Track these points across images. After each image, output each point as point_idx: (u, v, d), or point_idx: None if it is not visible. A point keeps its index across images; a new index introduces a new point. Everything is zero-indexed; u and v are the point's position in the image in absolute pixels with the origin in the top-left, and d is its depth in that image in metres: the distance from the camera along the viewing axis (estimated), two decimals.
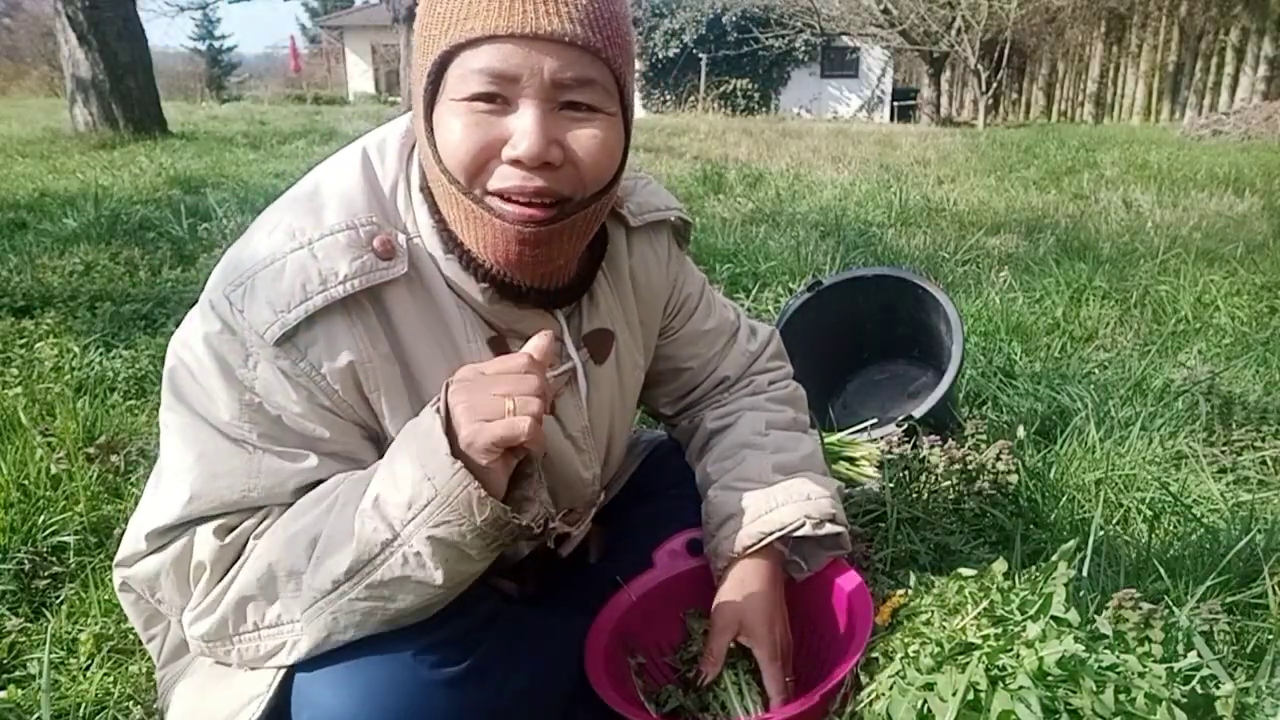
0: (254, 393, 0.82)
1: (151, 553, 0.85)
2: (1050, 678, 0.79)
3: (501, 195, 0.83)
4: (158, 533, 0.83)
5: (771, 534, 1.03)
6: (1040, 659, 0.79)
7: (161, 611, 0.90)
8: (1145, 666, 0.82)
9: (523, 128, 0.79)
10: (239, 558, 0.83)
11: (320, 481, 0.85)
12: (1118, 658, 0.83)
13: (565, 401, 1.01)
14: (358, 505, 0.78)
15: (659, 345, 1.18)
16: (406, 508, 0.75)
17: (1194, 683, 0.90)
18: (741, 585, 1.04)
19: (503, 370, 0.79)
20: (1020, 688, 0.77)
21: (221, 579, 0.83)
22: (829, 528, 1.05)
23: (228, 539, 0.82)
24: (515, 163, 0.81)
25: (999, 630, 0.86)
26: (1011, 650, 0.82)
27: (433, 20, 0.81)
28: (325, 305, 0.81)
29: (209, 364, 0.83)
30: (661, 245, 1.12)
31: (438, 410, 0.77)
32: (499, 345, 0.93)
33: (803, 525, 1.03)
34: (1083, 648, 0.81)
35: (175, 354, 0.86)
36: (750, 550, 1.04)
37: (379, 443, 0.89)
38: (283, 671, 0.84)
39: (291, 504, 0.85)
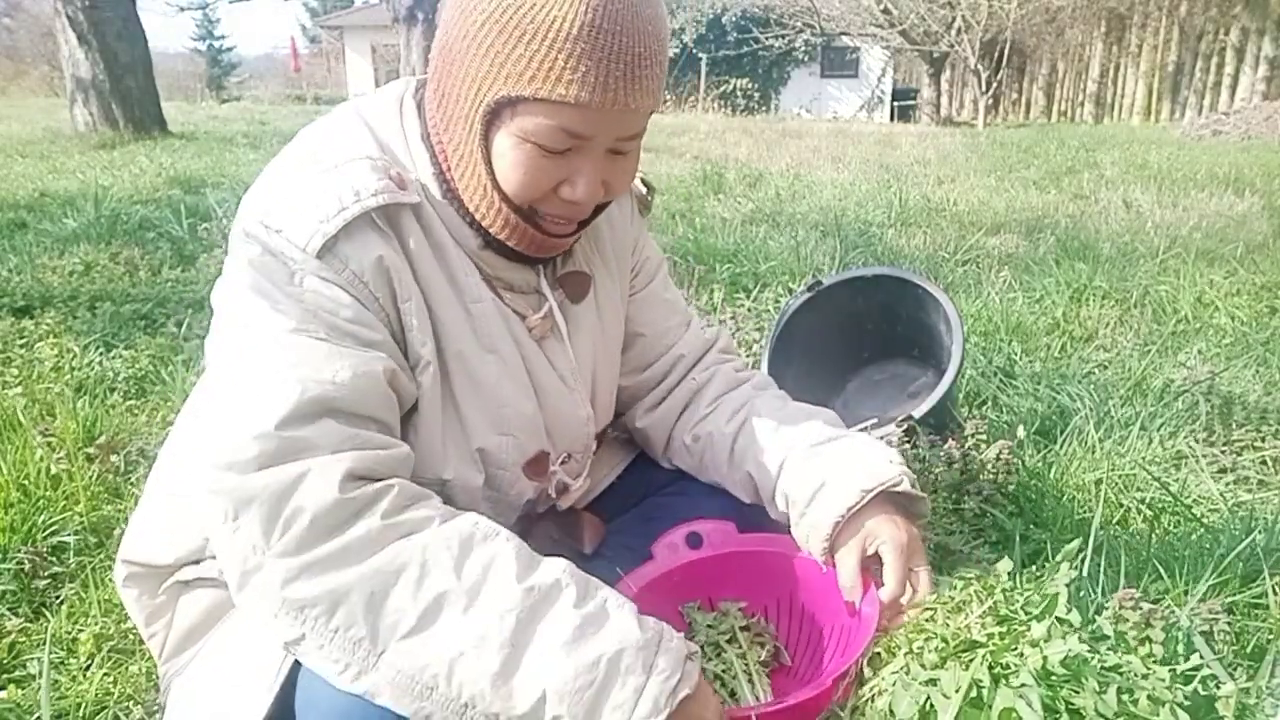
0: (306, 304, 0.83)
1: (262, 467, 0.77)
2: (1054, 677, 0.79)
3: (545, 215, 0.92)
4: (282, 422, 0.77)
5: (873, 489, 1.00)
6: (1044, 658, 0.79)
7: (217, 542, 0.80)
8: (1149, 668, 0.82)
9: (585, 177, 0.88)
10: (345, 524, 0.77)
11: (396, 374, 0.86)
12: (1120, 658, 0.83)
13: (552, 345, 1.04)
14: (519, 661, 0.76)
15: None
16: None
17: (1194, 683, 0.90)
18: (859, 520, 1.00)
19: None
20: (1023, 685, 0.77)
21: (321, 541, 0.76)
22: (915, 491, 1.03)
23: (348, 493, 0.77)
24: (569, 201, 0.90)
25: (1003, 629, 0.86)
26: (1015, 649, 0.82)
27: (517, 56, 0.82)
28: (361, 214, 0.84)
29: (262, 284, 0.83)
30: (625, 205, 1.17)
31: (666, 715, 0.76)
32: (490, 287, 0.98)
33: (901, 482, 1.01)
34: (1086, 648, 0.81)
35: (222, 295, 0.87)
36: (854, 509, 1.00)
37: (406, 369, 0.90)
38: (285, 672, 0.83)
39: (377, 417, 0.84)
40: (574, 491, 1.16)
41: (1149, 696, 0.78)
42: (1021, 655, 0.82)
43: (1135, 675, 0.81)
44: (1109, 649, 0.86)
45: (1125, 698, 0.78)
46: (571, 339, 1.06)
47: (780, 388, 1.26)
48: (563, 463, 1.11)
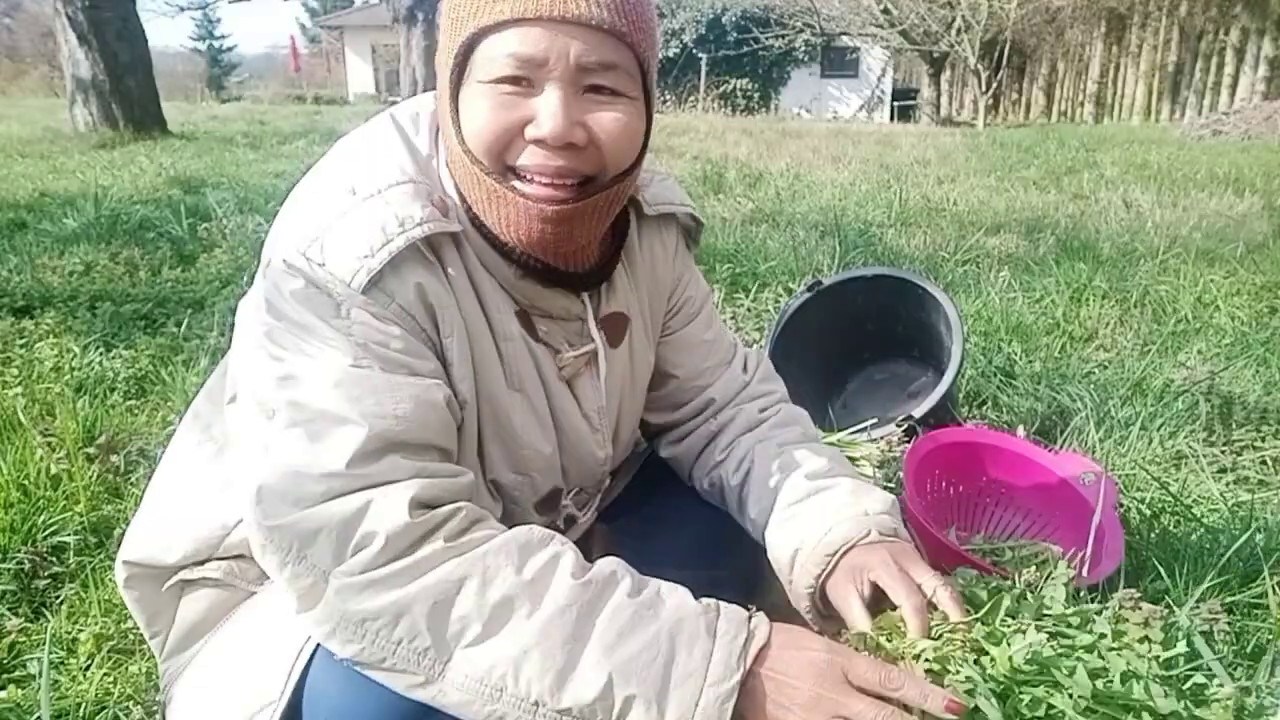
0: (355, 337, 0.81)
1: (329, 499, 0.77)
2: (1022, 674, 0.79)
3: (524, 175, 0.85)
4: (352, 461, 0.77)
5: (837, 552, 0.96)
6: (1010, 658, 0.79)
7: (274, 574, 0.79)
8: (1138, 667, 0.82)
9: (547, 109, 0.81)
10: (414, 546, 0.77)
11: (451, 401, 0.85)
12: (1095, 637, 0.84)
13: (584, 382, 1.02)
14: (578, 654, 0.75)
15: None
16: None
17: (1191, 682, 0.90)
18: (836, 571, 0.96)
19: (870, 689, 0.76)
20: (967, 677, 0.77)
21: (389, 562, 0.76)
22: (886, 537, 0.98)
23: (418, 518, 0.77)
24: (538, 142, 0.83)
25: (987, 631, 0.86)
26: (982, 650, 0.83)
27: (461, 3, 0.82)
28: (407, 246, 0.82)
29: (308, 319, 0.81)
30: (670, 239, 1.12)
31: (742, 673, 0.76)
32: (524, 319, 0.95)
33: (868, 534, 0.96)
34: (1045, 636, 0.81)
35: (261, 326, 0.83)
36: (822, 576, 0.96)
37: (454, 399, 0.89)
38: (296, 675, 0.84)
39: (440, 445, 0.83)
40: (580, 525, 1.15)
41: (1123, 674, 0.79)
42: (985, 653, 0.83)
43: (1107, 651, 0.82)
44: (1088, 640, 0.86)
45: (1099, 683, 0.78)
46: (605, 382, 1.04)
47: None
48: (573, 495, 1.10)
